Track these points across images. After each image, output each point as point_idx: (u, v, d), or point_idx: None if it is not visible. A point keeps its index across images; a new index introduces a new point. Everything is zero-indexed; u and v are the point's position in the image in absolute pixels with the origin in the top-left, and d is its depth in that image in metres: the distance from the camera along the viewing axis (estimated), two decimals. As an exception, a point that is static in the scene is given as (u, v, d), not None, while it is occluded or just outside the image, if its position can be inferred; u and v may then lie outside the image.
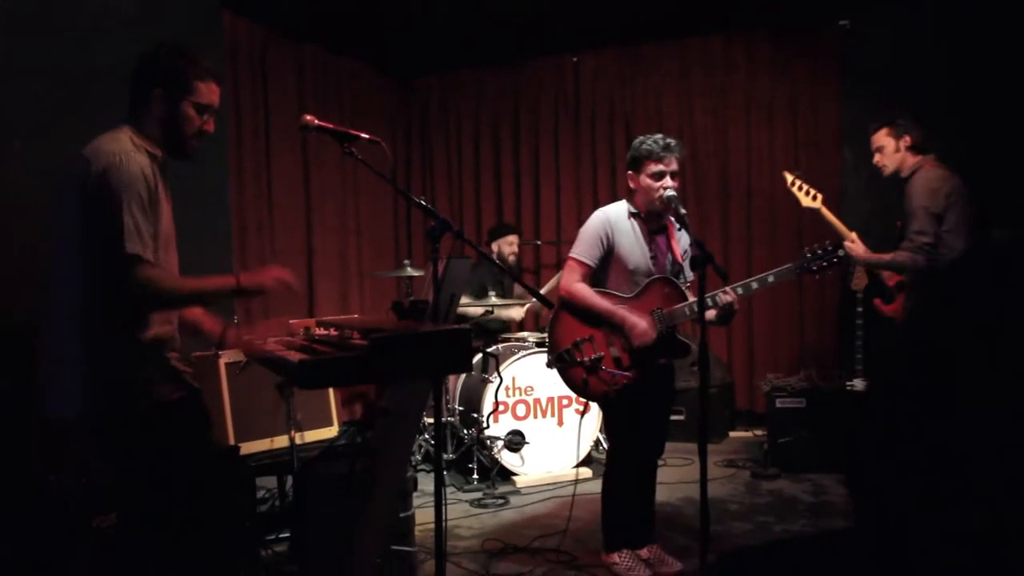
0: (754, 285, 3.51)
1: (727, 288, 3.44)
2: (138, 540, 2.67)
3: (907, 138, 4.44)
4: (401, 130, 7.96)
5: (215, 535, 2.88)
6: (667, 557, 3.84)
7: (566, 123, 7.47)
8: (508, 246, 6.40)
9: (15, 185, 3.52)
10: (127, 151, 2.39)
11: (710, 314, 3.44)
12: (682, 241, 3.73)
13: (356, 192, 7.08)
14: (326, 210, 6.78)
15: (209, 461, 2.75)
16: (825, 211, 4.71)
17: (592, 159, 7.40)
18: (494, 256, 6.37)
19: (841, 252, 3.52)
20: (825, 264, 3.50)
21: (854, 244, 4.50)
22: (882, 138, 4.50)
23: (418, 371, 2.56)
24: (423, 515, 4.23)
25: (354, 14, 6.17)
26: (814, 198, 4.74)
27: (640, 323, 3.52)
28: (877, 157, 4.54)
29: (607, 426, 3.90)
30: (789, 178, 4.83)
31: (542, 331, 6.04)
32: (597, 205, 7.19)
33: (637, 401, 3.64)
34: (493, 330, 6.21)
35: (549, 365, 3.77)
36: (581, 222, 7.14)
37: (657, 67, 7.15)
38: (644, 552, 3.85)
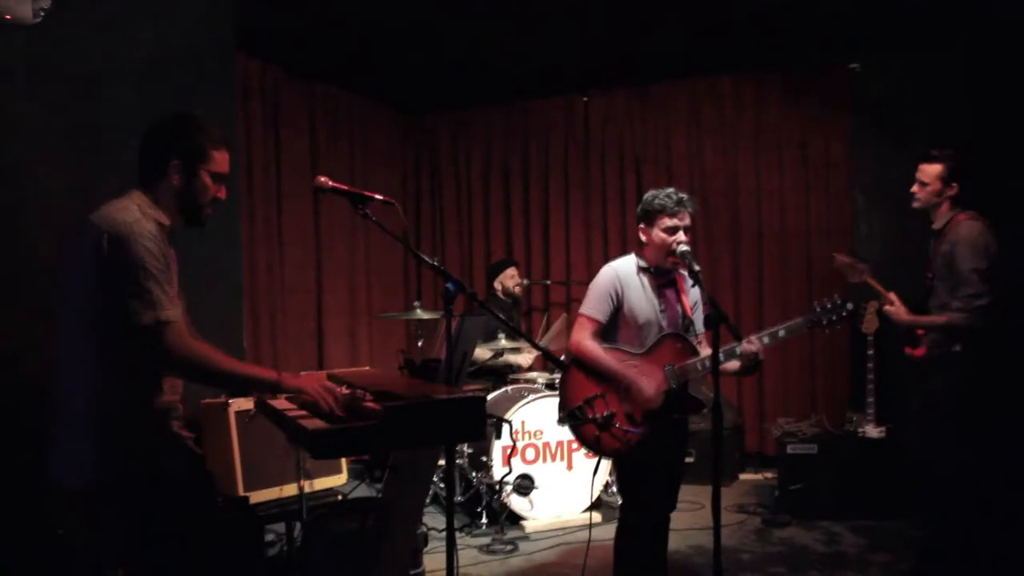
0: (781, 333, 3.49)
1: (751, 337, 3.41)
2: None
3: (955, 187, 4.26)
4: (411, 167, 7.99)
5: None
6: None
7: (576, 162, 7.49)
8: (510, 279, 6.40)
9: (30, 230, 3.51)
10: (136, 220, 2.39)
11: (734, 365, 3.45)
12: (691, 294, 3.71)
13: (366, 230, 7.08)
14: (336, 248, 6.80)
15: (214, 527, 2.72)
16: (872, 281, 4.72)
17: (602, 198, 7.40)
18: (499, 293, 6.36)
19: (850, 306, 3.48)
20: (835, 319, 3.48)
21: (895, 308, 4.44)
22: (933, 174, 4.27)
23: (432, 440, 2.55)
24: (432, 562, 4.19)
25: (366, 53, 6.21)
26: (861, 273, 4.77)
27: (646, 389, 3.47)
28: (918, 188, 4.32)
29: (620, 482, 3.87)
30: (838, 259, 4.92)
31: (552, 372, 6.02)
32: (607, 244, 7.32)
33: (650, 456, 3.59)
34: (501, 372, 6.19)
35: (560, 422, 3.72)
36: (591, 261, 7.29)
37: (667, 106, 7.16)
38: None
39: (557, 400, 5.29)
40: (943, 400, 4.28)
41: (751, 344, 3.37)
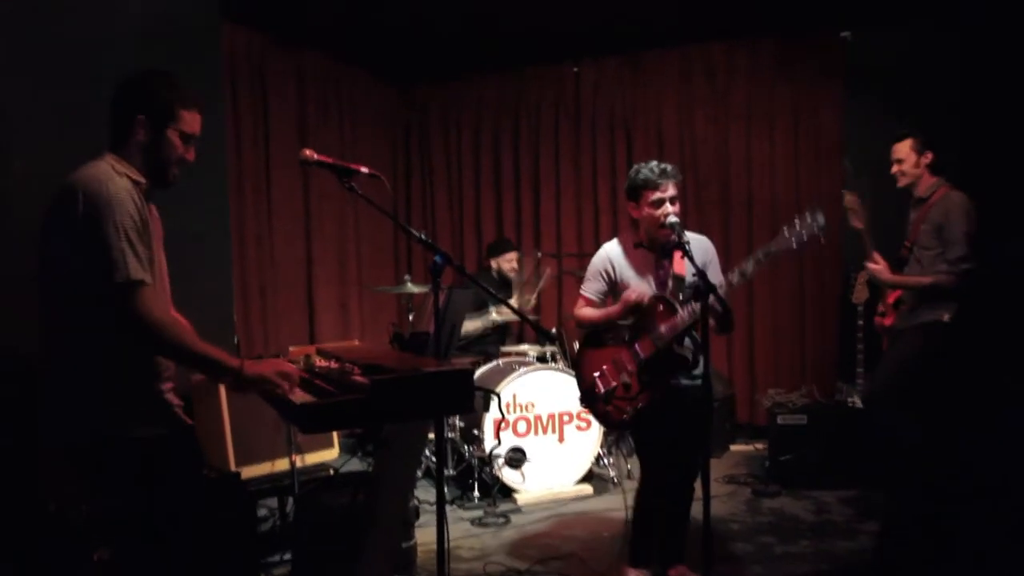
0: (749, 268, 3.50)
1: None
2: (137, 572, 2.64)
3: (928, 155, 4.48)
4: (401, 138, 7.92)
5: (212, 564, 2.86)
6: None
7: (567, 131, 7.44)
8: (507, 263, 6.38)
9: (16, 205, 3.47)
10: (110, 177, 2.35)
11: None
12: (697, 258, 3.69)
13: (356, 202, 7.03)
14: (325, 220, 6.75)
15: (201, 496, 2.71)
16: (865, 234, 4.76)
17: (593, 167, 7.36)
18: (493, 271, 6.34)
19: (820, 219, 3.39)
20: (805, 237, 3.42)
21: (878, 266, 4.54)
22: (905, 150, 4.53)
23: (420, 413, 2.55)
24: (424, 535, 4.20)
25: (354, 22, 6.14)
26: (861, 221, 4.76)
27: (633, 292, 3.61)
28: (896, 167, 4.56)
29: (637, 450, 4.00)
30: (847, 197, 4.84)
31: (542, 345, 6.02)
32: (598, 214, 7.30)
33: (658, 424, 3.67)
34: (493, 340, 6.19)
35: (581, 404, 3.89)
36: (581, 232, 7.28)
37: (658, 75, 7.11)
38: (672, 572, 3.88)
39: (549, 373, 5.42)
40: (909, 369, 4.38)
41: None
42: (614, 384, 3.66)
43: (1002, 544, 3.98)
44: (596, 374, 3.71)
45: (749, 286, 6.72)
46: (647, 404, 3.61)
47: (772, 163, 6.81)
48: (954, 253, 4.29)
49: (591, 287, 3.83)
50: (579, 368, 3.85)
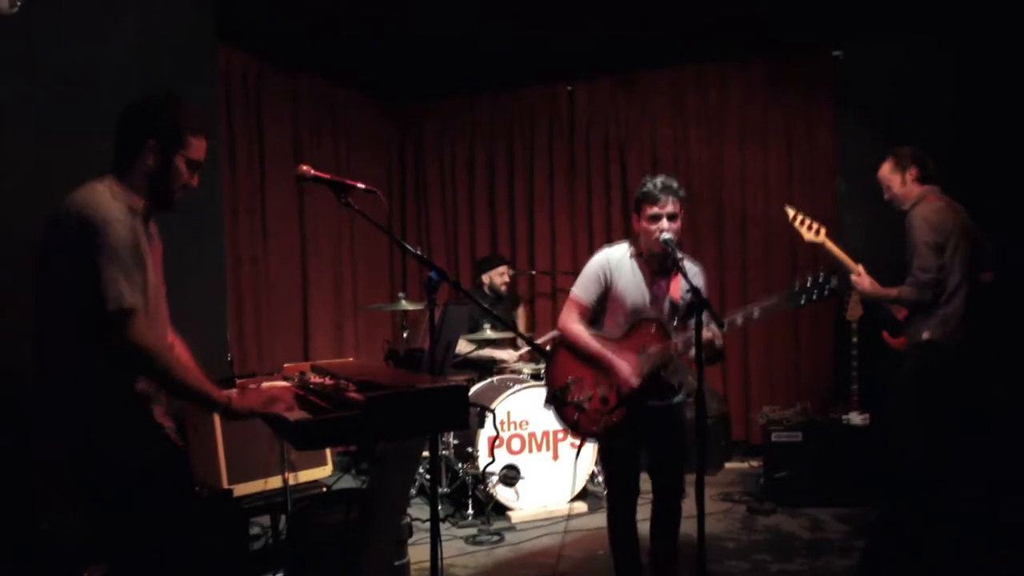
0: (739, 320, 3.46)
1: (709, 326, 3.37)
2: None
3: (913, 170, 4.38)
4: (396, 157, 7.94)
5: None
6: None
7: (561, 151, 7.47)
8: (499, 277, 6.39)
9: (9, 227, 3.47)
10: (106, 201, 2.35)
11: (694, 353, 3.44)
12: (694, 281, 3.69)
13: (351, 221, 7.06)
14: (321, 240, 6.77)
15: (191, 517, 2.70)
16: (829, 244, 4.65)
17: (587, 187, 7.39)
18: (486, 287, 6.35)
19: (834, 282, 3.36)
20: (815, 296, 3.37)
21: (860, 277, 4.48)
22: (887, 174, 4.44)
23: (415, 430, 2.55)
24: (417, 553, 4.18)
25: (350, 44, 6.18)
26: (816, 232, 4.66)
27: (625, 369, 3.52)
28: (887, 195, 4.48)
29: (602, 465, 3.94)
30: (791, 213, 4.76)
31: (538, 364, 6.02)
32: (592, 233, 7.32)
33: (631, 441, 3.65)
34: (486, 364, 6.18)
35: (546, 404, 3.80)
36: (575, 250, 7.29)
37: (652, 95, 7.15)
38: None
39: (544, 390, 5.40)
40: (909, 389, 4.36)
41: (706, 331, 3.29)
42: (591, 394, 3.60)
43: (986, 559, 4.00)
44: (571, 379, 3.64)
45: (744, 302, 6.70)
46: (621, 420, 3.57)
47: (766, 182, 6.85)
48: (916, 263, 4.22)
49: (584, 290, 3.72)
50: (552, 365, 3.75)
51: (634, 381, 3.51)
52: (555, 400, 3.70)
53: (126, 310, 2.28)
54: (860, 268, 4.52)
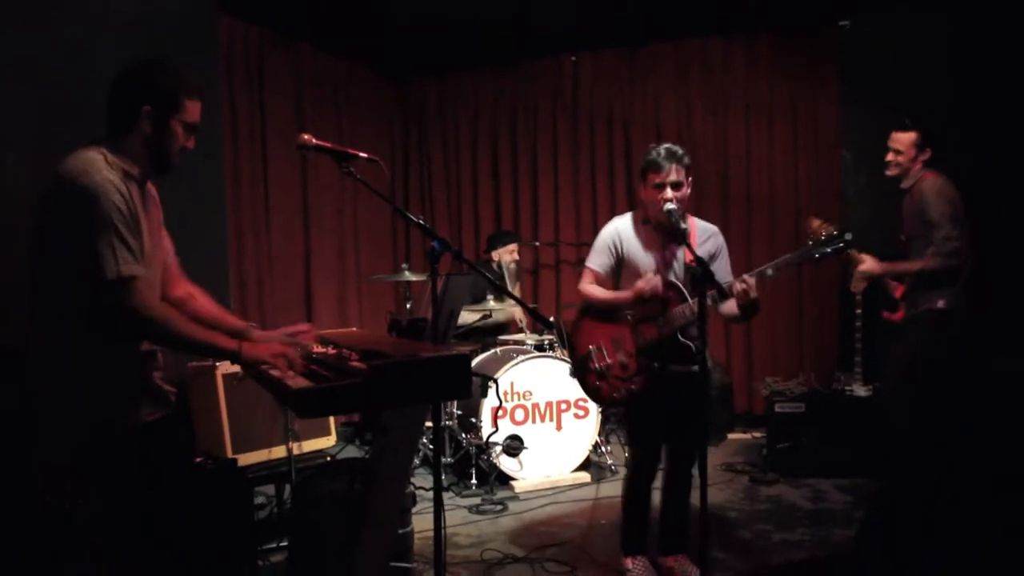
0: (769, 272, 3.45)
1: (743, 276, 3.39)
2: (133, 559, 2.65)
3: (928, 152, 4.50)
4: (399, 131, 7.91)
5: (210, 551, 2.87)
6: (691, 568, 3.85)
7: (564, 124, 7.43)
8: (509, 254, 6.38)
9: (9, 198, 3.46)
10: (98, 169, 2.33)
11: (731, 307, 3.46)
12: (705, 246, 3.69)
13: (354, 193, 7.04)
14: (324, 212, 6.75)
15: (189, 480, 2.72)
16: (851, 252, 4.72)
17: (590, 160, 7.36)
18: (494, 264, 6.35)
19: (848, 236, 3.40)
20: (830, 251, 3.40)
21: (867, 264, 4.62)
22: (907, 142, 4.51)
23: (417, 398, 2.55)
24: (421, 521, 4.20)
25: (352, 15, 6.13)
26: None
27: (643, 281, 3.54)
28: (892, 156, 4.56)
29: (626, 433, 4.03)
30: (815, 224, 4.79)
31: (541, 334, 6.03)
32: (595, 206, 7.31)
33: (651, 408, 3.68)
34: (492, 332, 6.19)
35: (571, 374, 3.93)
36: (579, 223, 7.29)
37: (655, 69, 7.11)
38: (670, 560, 3.90)
39: (547, 361, 5.43)
40: (917, 361, 4.40)
41: (741, 283, 3.36)
42: (610, 362, 3.67)
43: (988, 536, 4.02)
44: (592, 347, 3.71)
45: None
46: (642, 387, 3.62)
47: (770, 156, 6.82)
48: (938, 234, 4.32)
49: (598, 260, 3.79)
50: (574, 337, 3.83)
51: (655, 280, 3.53)
52: (579, 369, 3.79)
53: (126, 278, 2.28)
54: (863, 256, 4.63)
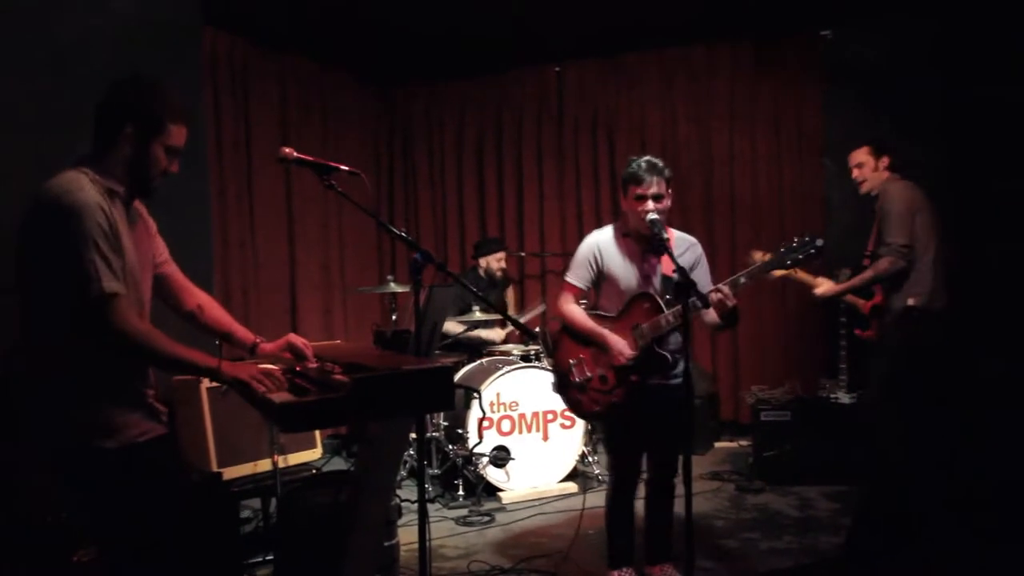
0: (742, 280, 3.45)
1: (718, 286, 3.41)
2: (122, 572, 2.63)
3: (885, 159, 4.59)
4: (384, 140, 7.90)
5: (196, 568, 2.85)
6: None
7: (549, 133, 7.45)
8: (496, 262, 6.38)
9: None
10: (80, 187, 2.32)
11: (711, 316, 3.50)
12: (684, 256, 3.69)
13: (339, 204, 7.02)
14: (308, 223, 6.74)
15: (181, 499, 2.71)
16: (796, 274, 4.81)
17: (575, 169, 7.37)
18: (481, 270, 6.35)
19: (819, 242, 3.37)
20: (802, 257, 3.40)
21: (822, 287, 4.72)
22: (862, 155, 4.64)
23: (401, 411, 2.55)
24: (407, 534, 4.18)
25: (337, 25, 6.13)
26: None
27: (618, 343, 3.59)
28: (856, 172, 4.68)
29: (605, 445, 4.01)
30: (757, 256, 4.76)
31: (526, 345, 6.03)
32: (580, 215, 7.32)
33: (631, 420, 3.68)
34: (475, 346, 6.18)
35: (554, 390, 3.89)
36: (564, 232, 7.30)
37: (640, 77, 7.13)
38: (656, 570, 3.89)
39: (533, 372, 5.42)
40: (897, 360, 4.44)
41: (716, 293, 3.38)
42: (589, 375, 3.67)
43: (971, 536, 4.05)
44: (572, 361, 3.72)
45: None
46: (621, 400, 3.62)
47: (754, 163, 6.85)
48: (890, 236, 4.36)
49: (577, 275, 3.79)
50: (556, 352, 3.85)
51: (625, 354, 3.56)
52: (559, 385, 3.81)
53: (107, 295, 2.27)
54: (819, 280, 4.76)
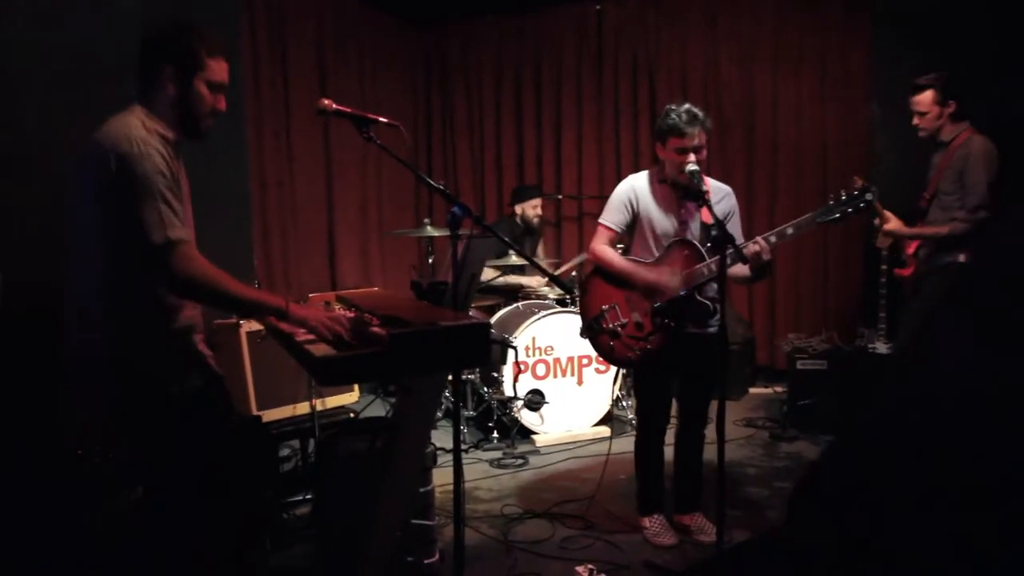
0: (789, 231, 3.38)
1: (756, 239, 3.37)
2: (164, 512, 2.71)
3: (952, 105, 4.41)
4: (421, 81, 7.85)
5: (238, 506, 2.92)
6: (708, 525, 3.89)
7: (588, 73, 7.34)
8: (532, 208, 6.35)
9: (31, 163, 3.46)
10: (143, 135, 2.32)
11: (743, 270, 3.45)
12: (720, 205, 3.63)
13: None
14: (346, 163, 6.74)
15: (230, 444, 2.76)
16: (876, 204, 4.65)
17: (615, 110, 7.28)
18: (518, 217, 6.32)
19: (870, 196, 3.31)
20: (851, 210, 3.32)
21: (893, 223, 4.57)
22: (927, 102, 4.43)
23: (437, 366, 2.57)
24: (442, 475, 4.25)
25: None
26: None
27: (664, 275, 3.55)
28: (917, 120, 4.49)
29: (635, 391, 4.03)
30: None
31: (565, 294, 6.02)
32: (619, 157, 7.24)
33: (664, 368, 3.71)
34: (512, 290, 6.19)
35: (582, 335, 3.88)
36: (602, 175, 7.23)
37: (682, 16, 6.98)
38: (687, 519, 3.94)
39: (568, 316, 5.42)
40: (932, 314, 4.36)
41: (755, 245, 3.35)
42: (624, 321, 3.66)
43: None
44: (605, 307, 3.70)
45: (771, 228, 6.65)
46: (657, 347, 3.61)
47: (798, 106, 6.70)
48: (972, 201, 4.26)
49: (612, 217, 3.74)
50: (585, 295, 3.81)
51: (675, 284, 3.52)
52: (590, 330, 3.77)
53: (173, 241, 2.28)
54: (888, 214, 4.60)
